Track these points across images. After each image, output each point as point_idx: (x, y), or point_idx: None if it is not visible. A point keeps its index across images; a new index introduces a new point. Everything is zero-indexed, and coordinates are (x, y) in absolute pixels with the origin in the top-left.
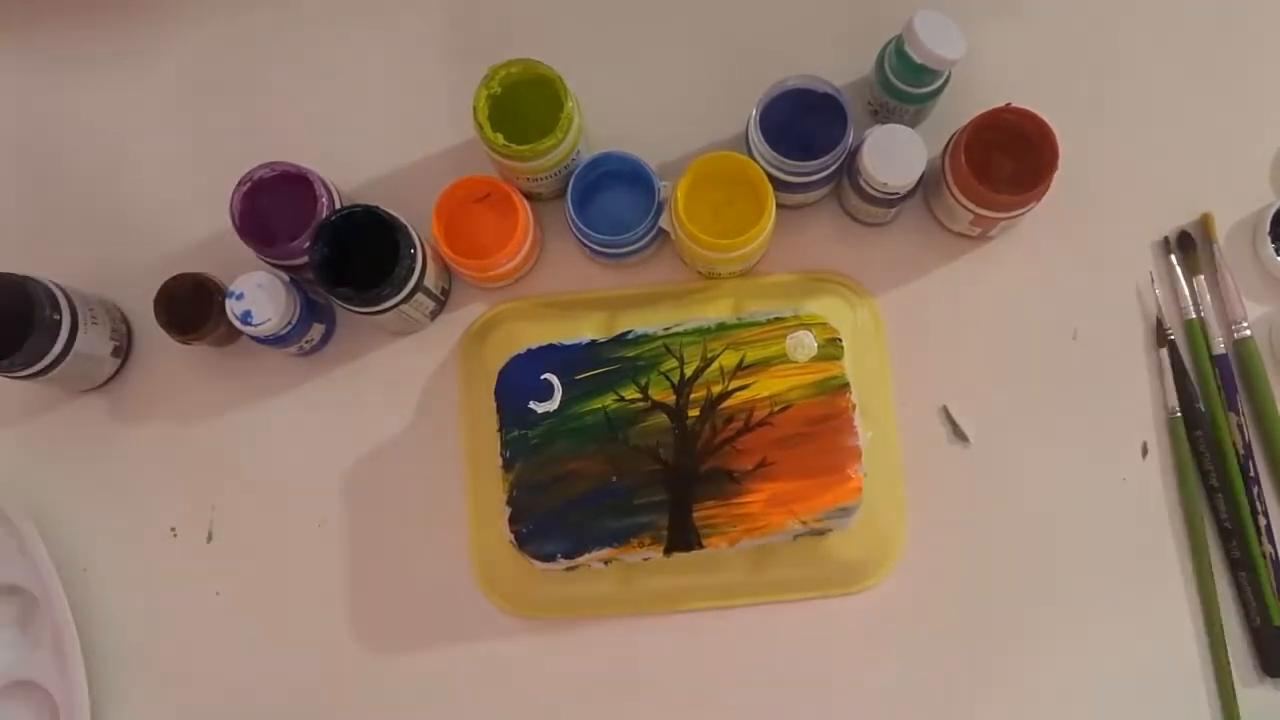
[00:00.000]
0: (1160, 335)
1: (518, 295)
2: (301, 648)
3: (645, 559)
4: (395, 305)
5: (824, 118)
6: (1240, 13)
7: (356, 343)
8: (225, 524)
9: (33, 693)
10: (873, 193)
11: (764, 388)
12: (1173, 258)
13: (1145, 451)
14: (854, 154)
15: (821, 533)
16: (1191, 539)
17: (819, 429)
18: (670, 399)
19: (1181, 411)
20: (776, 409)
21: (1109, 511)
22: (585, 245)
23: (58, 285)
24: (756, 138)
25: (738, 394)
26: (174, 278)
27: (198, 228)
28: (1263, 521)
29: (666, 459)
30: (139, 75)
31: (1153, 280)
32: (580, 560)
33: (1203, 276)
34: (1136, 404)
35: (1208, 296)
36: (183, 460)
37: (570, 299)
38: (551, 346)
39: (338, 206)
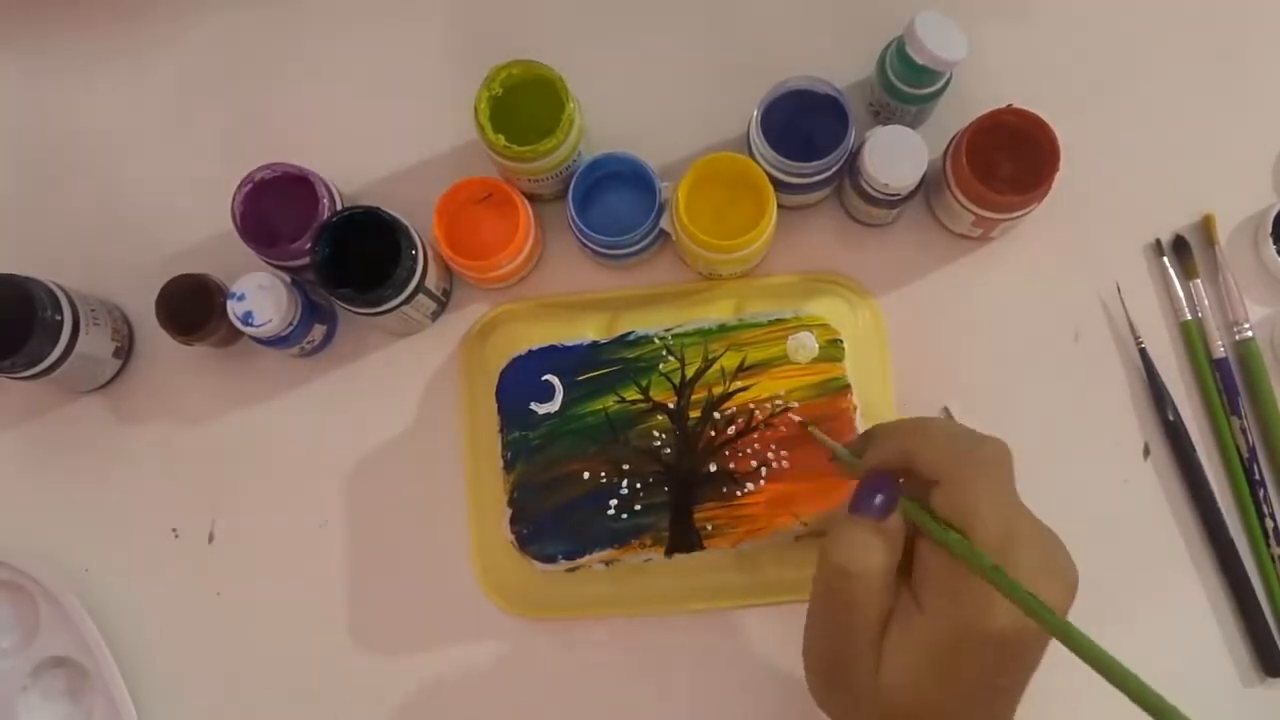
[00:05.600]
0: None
1: (519, 296)
2: (302, 648)
3: (646, 560)
4: (396, 306)
5: (825, 119)
6: (1242, 14)
7: (358, 344)
8: (226, 525)
9: None
10: (874, 194)
11: (765, 389)
12: (1165, 260)
13: (1147, 453)
14: (855, 155)
15: (824, 534)
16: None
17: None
18: (671, 400)
19: (1158, 417)
20: (777, 410)
21: (1111, 513)
22: (586, 246)
23: (59, 286)
24: (758, 139)
25: (739, 395)
26: (175, 279)
27: (199, 229)
28: (1270, 524)
29: (668, 460)
30: (140, 75)
31: (1119, 291)
32: (581, 561)
33: (1199, 280)
34: (1138, 405)
35: (1206, 299)
36: (184, 461)
37: (571, 300)
38: (552, 348)
39: (339, 207)
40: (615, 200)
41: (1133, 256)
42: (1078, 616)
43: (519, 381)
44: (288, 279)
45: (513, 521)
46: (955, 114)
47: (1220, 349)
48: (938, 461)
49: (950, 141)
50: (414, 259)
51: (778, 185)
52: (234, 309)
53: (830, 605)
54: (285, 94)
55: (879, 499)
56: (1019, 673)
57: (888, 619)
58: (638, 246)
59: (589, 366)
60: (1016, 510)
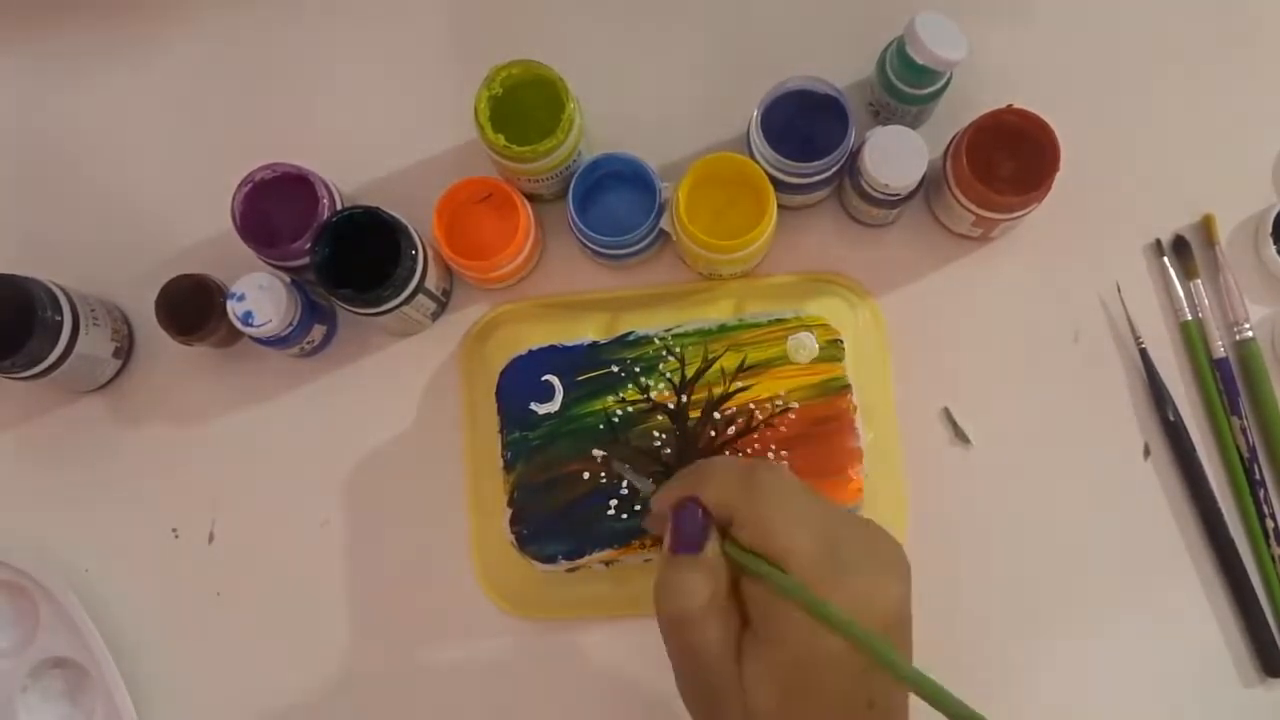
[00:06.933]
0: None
1: (519, 296)
2: (302, 648)
3: (647, 560)
4: (396, 306)
5: (825, 119)
6: (1242, 13)
7: (358, 344)
8: (226, 525)
9: None
10: (874, 194)
11: (765, 389)
12: (1165, 260)
13: (1147, 453)
14: (855, 155)
15: None
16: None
17: (820, 430)
18: (671, 400)
19: (1158, 417)
20: (777, 410)
21: (1111, 513)
22: (586, 246)
23: (59, 286)
24: (758, 139)
25: (739, 395)
26: (175, 279)
27: (199, 229)
28: (1270, 524)
29: (668, 460)
30: (140, 75)
31: (1119, 291)
32: (581, 562)
33: (1200, 280)
34: (1138, 405)
35: (1206, 299)
36: (184, 461)
37: (571, 300)
38: (552, 348)
39: (339, 207)
40: (615, 200)
41: (1133, 256)
42: (1078, 617)
43: (519, 381)
44: (288, 279)
45: (513, 521)
46: (955, 114)
47: (1220, 349)
48: (722, 502)
49: (950, 141)
50: (414, 259)
51: (778, 185)
52: (234, 309)
53: (675, 652)
54: (285, 94)
55: (694, 523)
56: (886, 680)
57: (740, 650)
58: (638, 246)
59: (589, 366)
60: (824, 518)
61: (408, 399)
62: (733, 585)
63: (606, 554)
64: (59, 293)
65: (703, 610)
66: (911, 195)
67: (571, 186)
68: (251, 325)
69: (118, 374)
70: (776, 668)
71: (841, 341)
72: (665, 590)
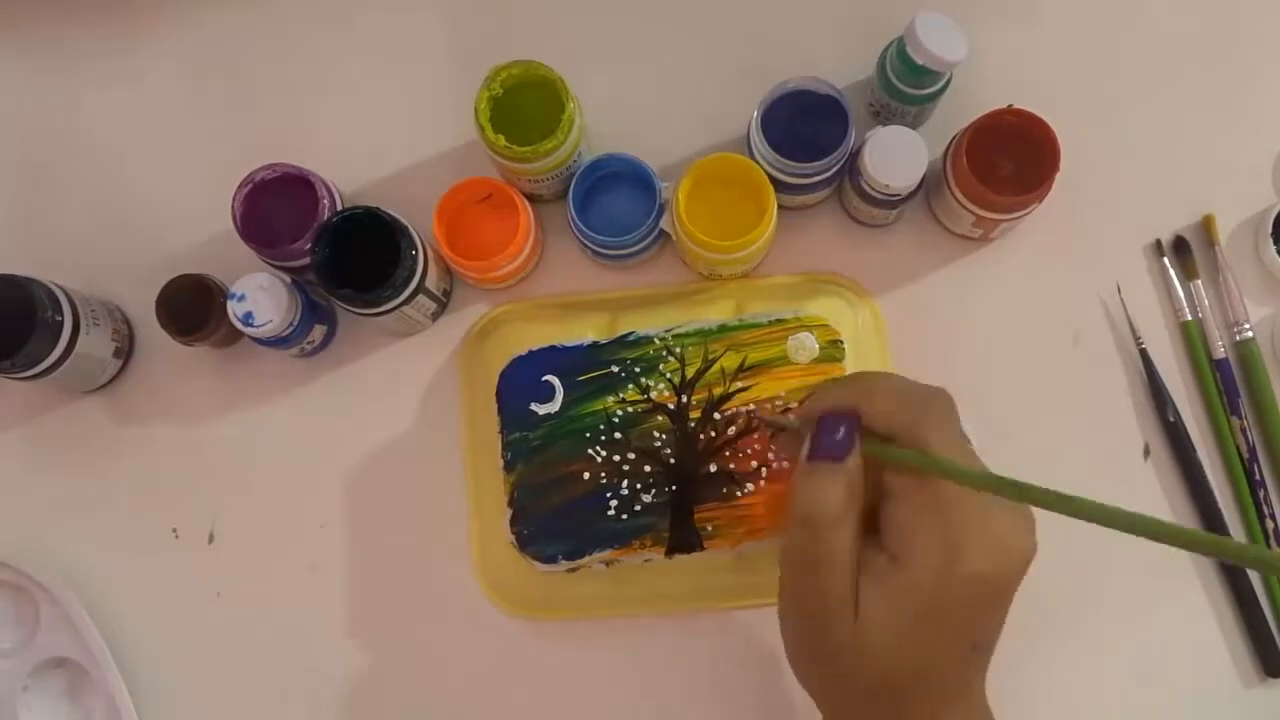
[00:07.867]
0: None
1: (519, 296)
2: (302, 649)
3: (646, 561)
4: (397, 307)
5: (825, 119)
6: (1242, 13)
7: (358, 344)
8: (227, 525)
9: None
10: (874, 194)
11: (765, 389)
12: (1165, 260)
13: (1147, 453)
14: (855, 155)
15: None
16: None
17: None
18: (671, 400)
19: (1158, 417)
20: (778, 410)
21: None
22: (587, 247)
23: (59, 286)
24: (758, 139)
25: (739, 395)
26: (175, 279)
27: (199, 229)
28: (1270, 524)
29: (668, 460)
30: (140, 75)
31: (1119, 291)
32: (581, 562)
33: (1200, 281)
34: (1138, 406)
35: (1206, 299)
36: (184, 462)
37: (571, 300)
38: (553, 348)
39: (339, 208)
40: (615, 200)
41: (1133, 256)
42: (1078, 618)
43: (519, 382)
44: (288, 279)
45: (513, 522)
46: (955, 114)
47: (1220, 349)
48: (890, 413)
49: (950, 141)
50: (414, 259)
51: (778, 186)
52: (234, 309)
53: (800, 562)
54: (285, 94)
55: (841, 432)
56: (992, 626)
57: (858, 578)
58: (638, 247)
59: (589, 367)
60: (972, 458)
61: (408, 399)
62: (868, 508)
63: (606, 554)
64: (59, 293)
65: (836, 517)
66: (911, 195)
67: (571, 187)
68: (252, 325)
69: (118, 374)
70: (901, 590)
71: (841, 342)
72: (804, 491)
